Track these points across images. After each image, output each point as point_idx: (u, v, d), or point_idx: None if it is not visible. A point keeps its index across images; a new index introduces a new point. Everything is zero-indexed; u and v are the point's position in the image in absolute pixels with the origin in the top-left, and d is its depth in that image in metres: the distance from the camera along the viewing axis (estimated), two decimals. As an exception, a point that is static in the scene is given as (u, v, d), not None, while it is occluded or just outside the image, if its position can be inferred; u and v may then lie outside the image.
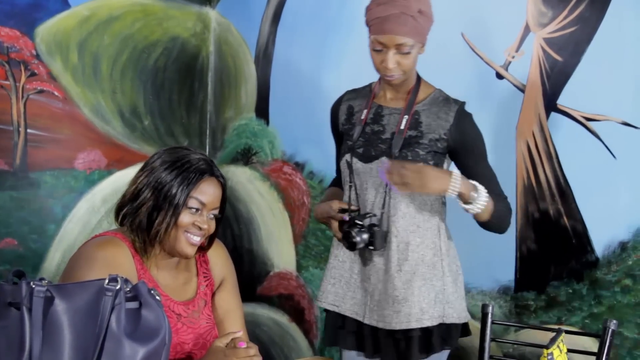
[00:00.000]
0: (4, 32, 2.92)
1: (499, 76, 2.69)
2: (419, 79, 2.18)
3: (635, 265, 2.43)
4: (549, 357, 1.76)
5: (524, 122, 2.64)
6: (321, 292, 2.26)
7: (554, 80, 2.57)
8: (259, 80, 3.39)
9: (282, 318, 3.31)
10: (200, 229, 1.84)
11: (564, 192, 2.56)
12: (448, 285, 2.14)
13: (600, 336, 2.05)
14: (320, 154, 3.04)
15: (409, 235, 2.12)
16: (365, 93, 2.25)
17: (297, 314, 3.27)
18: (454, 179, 2.01)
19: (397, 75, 2.09)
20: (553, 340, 1.81)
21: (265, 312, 3.34)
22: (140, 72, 3.30)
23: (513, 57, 2.66)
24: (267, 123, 3.37)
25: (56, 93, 3.07)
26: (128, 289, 1.47)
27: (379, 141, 2.15)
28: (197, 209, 1.84)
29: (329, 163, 2.41)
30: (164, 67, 3.37)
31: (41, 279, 1.46)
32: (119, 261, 1.79)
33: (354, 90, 2.29)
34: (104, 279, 1.45)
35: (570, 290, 2.55)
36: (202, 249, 1.95)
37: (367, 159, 2.15)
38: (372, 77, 2.20)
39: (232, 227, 3.43)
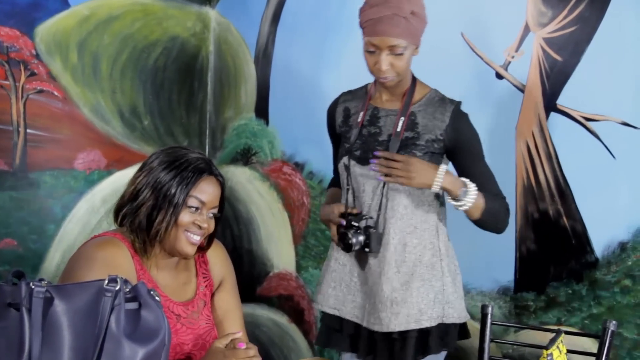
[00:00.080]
0: (3, 32, 2.92)
1: (499, 76, 2.69)
2: (414, 79, 2.17)
3: (634, 266, 2.43)
4: (549, 357, 1.76)
5: (524, 122, 2.64)
6: (321, 296, 2.26)
7: (553, 80, 2.57)
8: (259, 80, 3.38)
9: (281, 319, 3.31)
10: (200, 227, 1.84)
11: (564, 192, 2.56)
12: (447, 285, 2.14)
13: (599, 337, 2.05)
14: (320, 154, 3.03)
15: (405, 237, 2.12)
16: (361, 95, 2.25)
17: (297, 315, 3.27)
18: (439, 174, 2.01)
19: (391, 77, 2.08)
20: (553, 341, 1.81)
21: (265, 313, 3.33)
22: (140, 72, 3.30)
23: (513, 57, 2.66)
24: (267, 123, 3.37)
25: (56, 93, 3.06)
26: (127, 290, 1.47)
27: (376, 143, 2.15)
28: (197, 208, 1.84)
29: (329, 163, 2.41)
30: (163, 66, 3.37)
31: (41, 280, 1.46)
32: (119, 261, 1.79)
33: (350, 92, 2.29)
34: (104, 280, 1.45)
35: (570, 291, 2.54)
36: (202, 249, 1.95)
37: (364, 161, 2.15)
38: (372, 77, 2.19)
39: (231, 228, 3.43)
